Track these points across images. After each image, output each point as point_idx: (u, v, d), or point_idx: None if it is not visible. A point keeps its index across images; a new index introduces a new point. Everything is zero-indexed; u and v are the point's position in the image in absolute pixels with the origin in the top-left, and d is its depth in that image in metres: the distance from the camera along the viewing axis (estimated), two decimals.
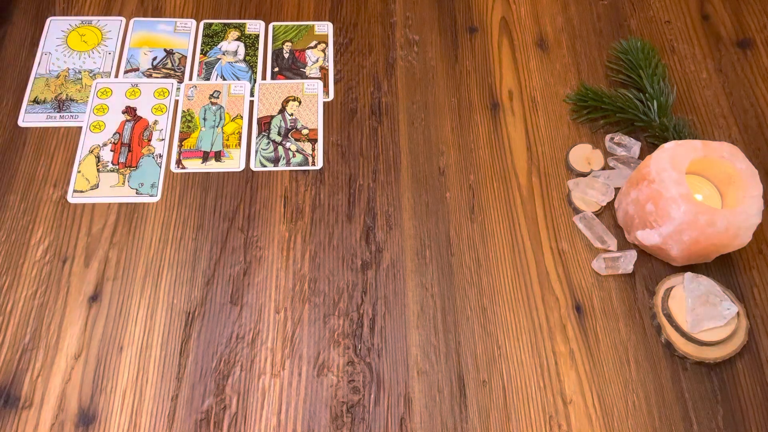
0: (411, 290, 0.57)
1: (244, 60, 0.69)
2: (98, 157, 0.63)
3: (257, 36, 0.71)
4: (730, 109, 0.68)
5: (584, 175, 0.63)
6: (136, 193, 0.61)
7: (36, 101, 0.65)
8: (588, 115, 0.67)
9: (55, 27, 0.70)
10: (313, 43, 0.71)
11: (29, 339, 0.54)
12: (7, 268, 0.57)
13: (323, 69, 0.69)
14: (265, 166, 0.63)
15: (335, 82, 0.68)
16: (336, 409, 0.52)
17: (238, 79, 0.68)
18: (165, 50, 0.70)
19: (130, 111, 0.65)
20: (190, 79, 0.68)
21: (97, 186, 0.61)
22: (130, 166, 0.62)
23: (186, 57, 0.69)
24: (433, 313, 0.56)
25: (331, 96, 0.68)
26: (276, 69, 0.69)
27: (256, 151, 0.64)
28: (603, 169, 0.64)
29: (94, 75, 0.68)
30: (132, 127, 0.65)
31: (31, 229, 0.59)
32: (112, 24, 0.71)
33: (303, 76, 0.69)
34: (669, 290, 0.56)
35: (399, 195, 0.62)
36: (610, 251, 0.59)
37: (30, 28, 0.70)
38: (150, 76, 0.68)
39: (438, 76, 0.69)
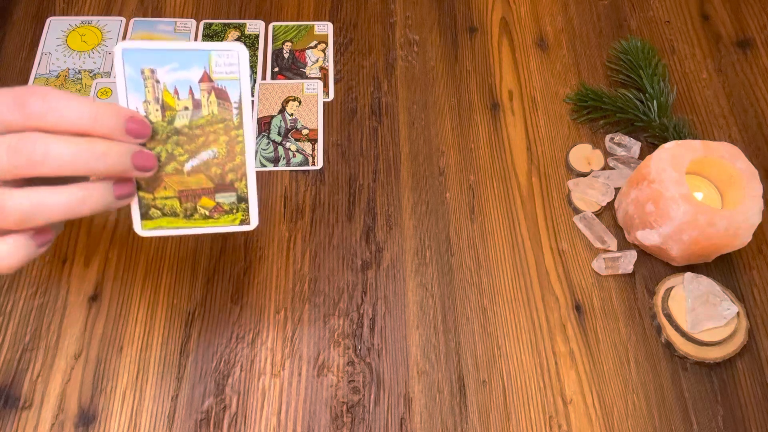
0: (411, 290, 0.57)
1: None
2: None
3: (257, 36, 0.71)
4: (730, 109, 0.68)
5: (584, 175, 0.63)
6: None
7: None
8: (588, 115, 0.67)
9: (55, 27, 0.70)
10: (313, 43, 0.71)
11: (29, 339, 0.54)
12: None
13: (323, 69, 0.69)
14: (265, 166, 0.63)
15: (335, 82, 0.68)
16: (336, 409, 0.52)
17: None
18: None
19: None
20: None
21: None
22: None
23: None
24: (433, 313, 0.56)
25: (331, 96, 0.68)
26: (276, 69, 0.69)
27: (256, 151, 0.64)
28: (603, 169, 0.64)
29: (94, 75, 0.68)
30: None
31: None
32: (112, 24, 0.71)
33: (303, 76, 0.69)
34: (669, 290, 0.56)
35: (399, 195, 0.62)
36: (610, 251, 0.59)
37: (30, 28, 0.70)
38: None
39: (438, 76, 0.69)
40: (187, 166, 0.43)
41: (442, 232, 0.60)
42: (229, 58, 0.42)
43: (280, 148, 0.64)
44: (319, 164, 0.63)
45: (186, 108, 0.42)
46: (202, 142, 0.42)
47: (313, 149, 0.64)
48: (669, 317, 0.55)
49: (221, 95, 0.42)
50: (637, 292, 0.58)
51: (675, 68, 0.71)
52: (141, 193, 0.43)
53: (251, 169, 0.43)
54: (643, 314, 0.57)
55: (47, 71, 0.67)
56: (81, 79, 0.67)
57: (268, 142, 0.64)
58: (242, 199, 0.44)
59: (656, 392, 0.54)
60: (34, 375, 0.52)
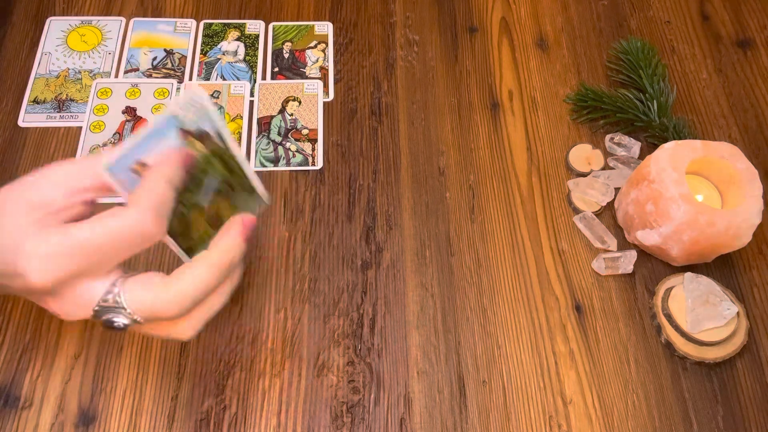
0: (411, 290, 0.57)
1: (244, 60, 0.69)
2: None
3: (257, 36, 0.71)
4: (730, 109, 0.68)
5: (584, 175, 0.63)
6: None
7: (36, 101, 0.65)
8: (588, 115, 0.67)
9: (55, 27, 0.70)
10: (313, 43, 0.71)
11: (29, 339, 0.54)
12: None
13: (323, 69, 0.69)
14: (265, 166, 0.63)
15: (335, 82, 0.68)
16: (336, 409, 0.52)
17: (238, 79, 0.68)
18: (165, 50, 0.70)
19: (130, 111, 0.65)
20: (190, 79, 0.68)
21: None
22: None
23: (186, 57, 0.69)
24: (433, 313, 0.56)
25: (331, 96, 0.68)
26: (276, 69, 0.69)
27: (256, 151, 0.64)
28: (603, 169, 0.64)
29: (94, 75, 0.68)
30: (132, 127, 0.65)
31: None
32: (112, 24, 0.71)
33: (303, 76, 0.69)
34: (669, 290, 0.56)
35: (399, 195, 0.62)
36: (610, 251, 0.59)
37: (30, 28, 0.70)
38: (150, 76, 0.68)
39: (438, 76, 0.69)
40: (204, 202, 0.47)
41: (442, 232, 0.60)
42: (193, 106, 0.43)
43: (280, 148, 0.64)
44: (319, 164, 0.63)
45: None
46: (203, 177, 0.46)
47: (313, 149, 0.64)
48: (669, 317, 0.55)
49: (201, 135, 0.44)
50: (637, 292, 0.58)
51: (675, 68, 0.71)
52: (182, 242, 0.48)
53: (243, 161, 0.46)
54: (643, 314, 0.57)
55: (47, 71, 0.67)
56: (81, 79, 0.67)
57: (268, 142, 0.64)
58: (251, 190, 0.48)
59: (656, 392, 0.54)
60: (34, 375, 0.52)
